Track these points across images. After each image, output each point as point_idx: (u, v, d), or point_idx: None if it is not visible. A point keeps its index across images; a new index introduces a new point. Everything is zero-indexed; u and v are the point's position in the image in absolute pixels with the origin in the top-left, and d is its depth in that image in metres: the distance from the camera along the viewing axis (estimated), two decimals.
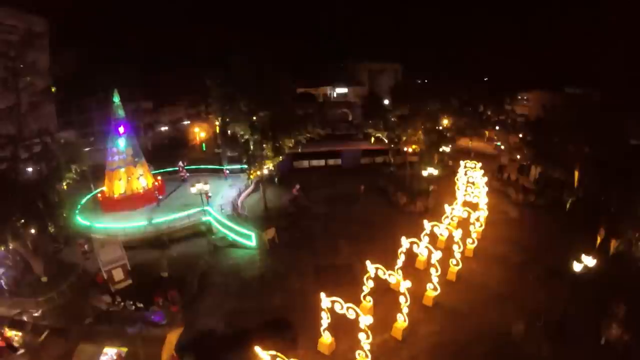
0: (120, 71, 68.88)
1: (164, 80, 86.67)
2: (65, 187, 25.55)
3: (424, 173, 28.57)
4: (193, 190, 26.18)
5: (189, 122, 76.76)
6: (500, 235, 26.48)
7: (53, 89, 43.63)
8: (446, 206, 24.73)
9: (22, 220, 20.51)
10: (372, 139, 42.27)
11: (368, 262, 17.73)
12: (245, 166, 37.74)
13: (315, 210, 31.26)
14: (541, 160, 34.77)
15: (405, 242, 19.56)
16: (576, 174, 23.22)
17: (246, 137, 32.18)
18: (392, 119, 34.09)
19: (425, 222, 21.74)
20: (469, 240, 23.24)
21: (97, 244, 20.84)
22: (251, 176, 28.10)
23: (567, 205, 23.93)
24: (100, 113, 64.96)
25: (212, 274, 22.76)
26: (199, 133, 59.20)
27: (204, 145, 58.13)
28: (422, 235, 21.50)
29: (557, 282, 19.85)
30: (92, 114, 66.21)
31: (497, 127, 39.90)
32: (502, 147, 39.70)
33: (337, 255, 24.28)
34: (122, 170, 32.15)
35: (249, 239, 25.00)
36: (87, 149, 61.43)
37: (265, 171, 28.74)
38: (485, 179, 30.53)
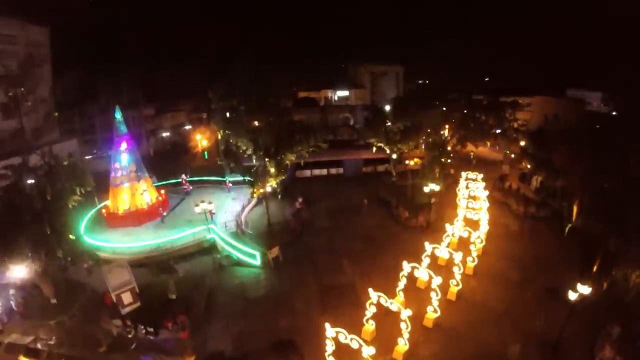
0: (122, 75, 69.90)
1: (165, 83, 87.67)
2: (70, 207, 26.44)
3: (426, 189, 29.21)
4: (197, 209, 26.98)
5: (190, 126, 77.60)
6: (500, 251, 27.17)
7: (55, 114, 44.51)
8: (447, 225, 25.42)
9: (31, 247, 21.31)
10: (374, 149, 43.00)
11: (371, 290, 18.51)
12: (248, 178, 38.66)
13: (318, 224, 32.01)
14: (542, 171, 35.40)
15: (406, 266, 20.32)
16: (575, 208, 23.59)
17: (249, 152, 32.98)
18: (394, 130, 34.66)
19: (426, 244, 22.48)
20: (469, 259, 23.93)
21: (106, 269, 21.61)
22: (254, 194, 28.80)
23: (565, 231, 24.35)
24: (102, 119, 65.99)
25: (219, 294, 23.57)
26: (201, 140, 59.81)
27: (206, 153, 58.78)
28: (423, 256, 22.28)
29: (555, 302, 20.60)
30: (94, 120, 67.11)
31: (498, 132, 40.24)
32: (512, 155, 40.22)
33: (340, 274, 25.05)
34: (126, 185, 32.88)
35: (253, 257, 25.81)
36: (88, 157, 62.70)
37: (269, 188, 29.45)
38: (487, 192, 31.16)
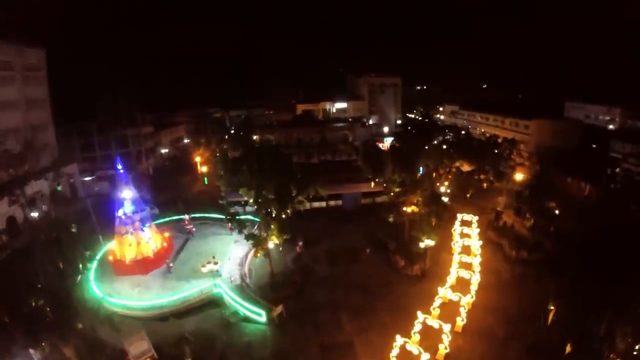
0: (120, 90, 71.58)
1: (163, 90, 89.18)
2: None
3: (421, 245, 31.65)
4: (204, 270, 29.38)
5: (188, 140, 79.35)
6: (489, 304, 29.73)
7: (59, 188, 46.41)
8: (439, 289, 28.01)
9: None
10: (372, 184, 45.24)
11: None
12: (251, 217, 40.79)
13: (318, 272, 34.64)
14: (536, 217, 37.79)
15: (399, 339, 23.00)
16: (551, 314, 25.57)
17: (250, 201, 35.16)
18: (394, 179, 36.79)
19: (418, 313, 25.15)
20: (458, 319, 26.58)
21: (127, 342, 24.13)
22: (257, 255, 31.13)
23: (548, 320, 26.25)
24: (102, 136, 67.99)
25: (229, 354, 26.15)
26: (201, 166, 61.69)
27: (205, 179, 60.72)
28: (415, 322, 24.96)
29: None
30: (93, 138, 68.96)
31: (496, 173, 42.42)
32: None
33: (339, 331, 27.68)
34: (131, 236, 34.92)
35: (259, 315, 28.38)
36: (89, 178, 64.64)
37: (271, 245, 31.81)
38: (480, 242, 33.63)
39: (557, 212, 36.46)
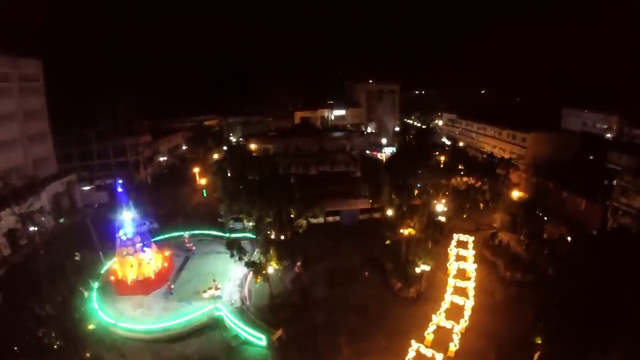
0: (118, 95, 72.04)
1: (161, 94, 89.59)
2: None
3: (417, 270, 32.73)
4: (205, 295, 30.42)
5: (186, 147, 79.95)
6: (482, 327, 30.88)
7: (61, 220, 47.27)
8: (433, 316, 29.18)
9: None
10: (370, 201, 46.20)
11: None
12: (250, 235, 41.76)
13: (316, 293, 35.68)
14: (531, 239, 38.97)
15: None
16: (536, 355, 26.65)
17: (251, 223, 36.14)
18: (390, 197, 37.77)
19: (412, 342, 26.28)
20: (451, 344, 27.76)
21: None
22: (257, 280, 32.12)
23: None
24: (99, 144, 68.59)
25: None
26: (200, 177, 62.45)
27: (204, 191, 61.48)
28: (409, 350, 26.12)
29: None
30: (92, 146, 69.53)
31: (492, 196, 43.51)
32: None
33: (338, 356, 28.80)
34: (132, 257, 35.82)
35: (259, 339, 29.46)
36: (87, 188, 65.29)
37: (271, 270, 32.80)
38: (475, 265, 34.73)
39: (569, 238, 37.38)
